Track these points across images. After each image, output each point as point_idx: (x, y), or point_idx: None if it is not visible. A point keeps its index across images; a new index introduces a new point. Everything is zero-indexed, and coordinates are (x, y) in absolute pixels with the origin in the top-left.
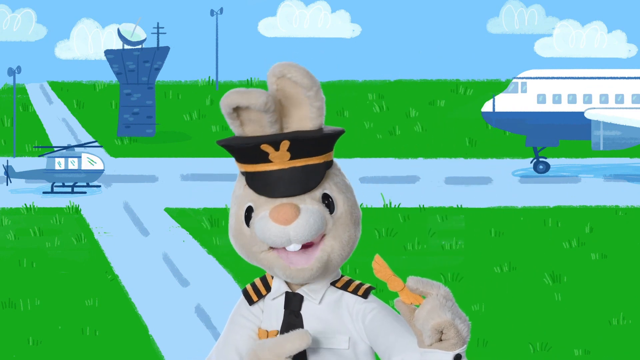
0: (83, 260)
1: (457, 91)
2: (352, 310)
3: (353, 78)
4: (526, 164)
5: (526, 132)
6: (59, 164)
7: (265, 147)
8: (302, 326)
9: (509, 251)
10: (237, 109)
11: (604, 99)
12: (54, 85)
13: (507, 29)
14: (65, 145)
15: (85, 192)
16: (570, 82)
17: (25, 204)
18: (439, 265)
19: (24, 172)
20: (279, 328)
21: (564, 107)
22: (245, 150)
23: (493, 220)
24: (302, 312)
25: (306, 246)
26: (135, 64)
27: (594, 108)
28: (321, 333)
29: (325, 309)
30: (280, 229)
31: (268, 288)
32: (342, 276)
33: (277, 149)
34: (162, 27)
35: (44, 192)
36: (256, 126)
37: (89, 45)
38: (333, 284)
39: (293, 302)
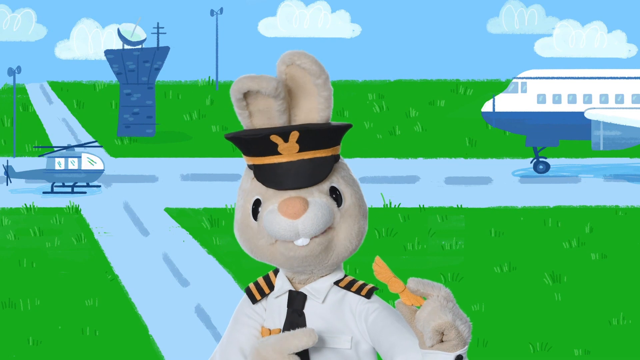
0: (83, 260)
1: (457, 91)
2: (355, 310)
3: (353, 78)
4: (526, 164)
5: (526, 132)
6: (59, 164)
7: (275, 138)
8: (304, 325)
9: (509, 251)
10: (247, 96)
11: (604, 99)
12: (54, 85)
13: (507, 29)
14: (65, 145)
15: (85, 192)
16: (570, 82)
17: (25, 204)
18: (439, 265)
19: (24, 172)
20: (281, 327)
21: (564, 107)
22: (255, 141)
23: (493, 220)
24: (305, 311)
25: (312, 239)
26: (135, 64)
27: (594, 108)
28: (324, 332)
29: (328, 308)
30: (289, 222)
31: (271, 287)
32: (345, 276)
33: (286, 140)
34: (162, 27)
35: (44, 192)
36: (264, 118)
37: (89, 45)
38: (336, 283)
39: (296, 301)
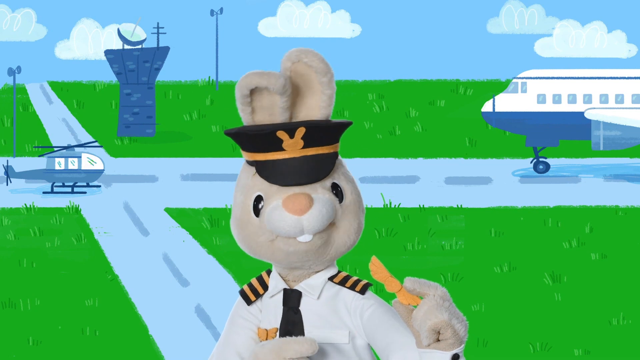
0: (83, 260)
1: (457, 91)
2: (349, 306)
3: (353, 78)
4: (526, 164)
5: (526, 132)
6: (59, 164)
7: (281, 134)
8: (301, 322)
9: (509, 251)
10: (252, 93)
11: (604, 99)
12: (54, 85)
13: (507, 29)
14: (65, 145)
15: (85, 192)
16: (570, 82)
17: (25, 204)
18: (439, 265)
19: (24, 172)
20: (278, 325)
21: (564, 107)
22: (260, 137)
23: (493, 220)
24: (301, 308)
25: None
26: (135, 64)
27: (594, 108)
28: (321, 328)
29: (323, 304)
30: (294, 219)
31: (265, 287)
32: (339, 272)
33: (292, 136)
34: (162, 27)
35: (44, 192)
36: (266, 114)
37: (89, 45)
38: (331, 279)
39: (291, 299)
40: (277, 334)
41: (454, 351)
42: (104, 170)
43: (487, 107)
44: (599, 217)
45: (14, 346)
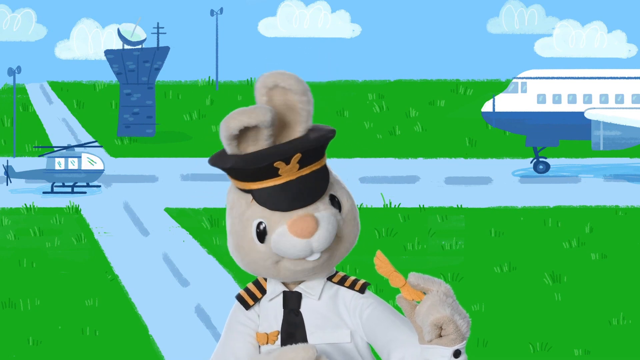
0: (83, 260)
1: (457, 91)
2: (349, 306)
3: (353, 78)
4: (526, 164)
5: (526, 132)
6: (59, 164)
7: (278, 164)
8: (302, 324)
9: (509, 251)
10: (241, 131)
11: (604, 99)
12: (54, 85)
13: (507, 29)
14: (65, 145)
15: (85, 192)
16: (570, 82)
17: (25, 204)
18: (439, 265)
19: (24, 172)
20: (279, 328)
21: (564, 107)
22: (256, 170)
23: (493, 220)
24: (301, 309)
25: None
26: (135, 64)
27: (594, 108)
28: (323, 328)
29: (324, 304)
30: (304, 243)
31: (262, 291)
32: (337, 272)
33: (288, 163)
34: (162, 27)
35: (44, 192)
36: (250, 142)
37: (89, 45)
38: (329, 279)
39: (292, 301)
40: (279, 336)
41: (456, 347)
42: (104, 170)
43: (487, 107)
44: (599, 217)
45: (14, 346)
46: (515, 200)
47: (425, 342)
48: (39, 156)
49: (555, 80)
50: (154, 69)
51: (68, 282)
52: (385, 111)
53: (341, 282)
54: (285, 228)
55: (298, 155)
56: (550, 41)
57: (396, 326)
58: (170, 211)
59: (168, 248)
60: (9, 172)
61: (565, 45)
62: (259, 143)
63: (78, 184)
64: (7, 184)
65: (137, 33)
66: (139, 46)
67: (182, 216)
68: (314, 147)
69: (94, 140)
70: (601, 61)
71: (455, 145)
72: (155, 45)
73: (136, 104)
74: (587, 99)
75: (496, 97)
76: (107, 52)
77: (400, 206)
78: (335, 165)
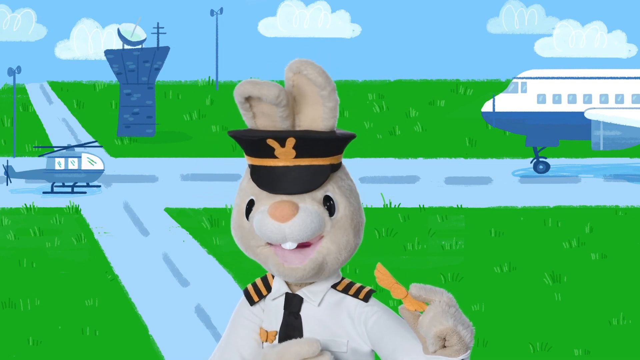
0: (83, 260)
1: (457, 91)
2: (353, 314)
3: (353, 78)
4: (526, 164)
5: (526, 132)
6: (59, 164)
7: (272, 142)
8: (301, 327)
9: (509, 251)
10: (249, 100)
11: (604, 99)
12: (54, 85)
13: (507, 29)
14: (65, 145)
15: (85, 192)
16: (570, 82)
17: (25, 204)
18: (439, 265)
19: (24, 172)
20: (278, 329)
21: (564, 107)
22: (252, 143)
23: (493, 220)
24: (301, 313)
25: (303, 246)
26: (135, 64)
27: (594, 108)
28: (320, 335)
29: (324, 311)
30: (276, 225)
31: (269, 288)
32: (342, 279)
33: (282, 145)
34: (162, 27)
35: (44, 192)
36: (268, 120)
37: (89, 45)
38: (334, 286)
39: (293, 303)
40: (277, 337)
41: (460, 357)
42: (104, 170)
43: (487, 107)
44: (599, 217)
45: (14, 346)
46: (515, 200)
47: (429, 352)
48: (39, 156)
49: (555, 80)
50: (154, 69)
51: (68, 282)
52: (385, 111)
53: (346, 290)
54: (266, 208)
55: (292, 140)
56: (550, 41)
57: (401, 335)
58: (170, 211)
59: (168, 248)
60: (9, 172)
61: (565, 45)
62: (276, 122)
63: (78, 184)
64: (7, 184)
65: (137, 33)
66: (139, 46)
67: (182, 216)
68: (307, 137)
69: (94, 140)
70: (601, 61)
71: (455, 145)
72: (155, 45)
73: (136, 104)
74: (587, 99)
75: (496, 97)
76: (107, 52)
77: (400, 206)
78: None
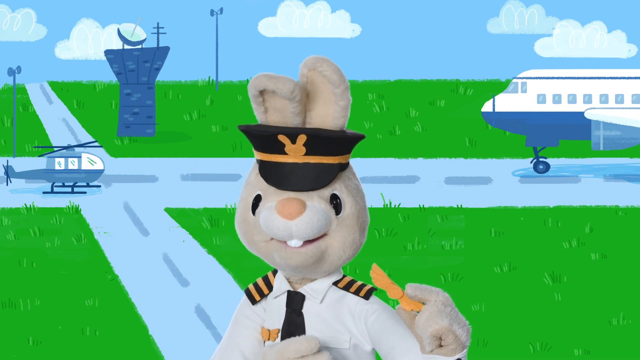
0: (83, 260)
1: (457, 91)
2: (354, 312)
3: (353, 78)
4: (526, 164)
5: (526, 132)
6: (59, 164)
7: (282, 138)
8: (303, 325)
9: (509, 251)
10: (263, 93)
11: (604, 99)
12: (54, 85)
13: (507, 29)
14: (65, 145)
15: (85, 192)
16: (570, 82)
17: (25, 204)
18: (439, 265)
19: (24, 172)
20: (280, 327)
21: (564, 107)
22: (263, 138)
23: (493, 220)
24: (303, 311)
25: (308, 243)
26: (135, 64)
27: (594, 108)
28: (322, 332)
29: (326, 308)
30: (283, 222)
31: (270, 287)
32: (344, 276)
33: (293, 141)
34: (162, 27)
35: (44, 192)
36: (279, 116)
37: (89, 45)
38: (335, 284)
39: (295, 301)
40: (279, 335)
41: (456, 356)
42: (104, 170)
43: (487, 107)
44: (599, 217)
45: (14, 346)
46: (515, 200)
47: (426, 352)
48: (39, 156)
49: (555, 80)
50: (154, 69)
51: (68, 282)
52: (385, 111)
53: (347, 288)
54: (273, 204)
55: (303, 137)
56: (550, 41)
57: (400, 333)
58: (170, 211)
59: (168, 248)
60: (9, 172)
61: (565, 45)
62: (287, 118)
63: (78, 184)
64: (7, 184)
65: (137, 33)
66: (139, 46)
67: (182, 216)
68: (318, 135)
69: (94, 140)
70: (601, 61)
71: (455, 145)
72: (155, 45)
73: (136, 104)
74: (587, 99)
75: (496, 97)
76: (107, 52)
77: (400, 206)
78: None
